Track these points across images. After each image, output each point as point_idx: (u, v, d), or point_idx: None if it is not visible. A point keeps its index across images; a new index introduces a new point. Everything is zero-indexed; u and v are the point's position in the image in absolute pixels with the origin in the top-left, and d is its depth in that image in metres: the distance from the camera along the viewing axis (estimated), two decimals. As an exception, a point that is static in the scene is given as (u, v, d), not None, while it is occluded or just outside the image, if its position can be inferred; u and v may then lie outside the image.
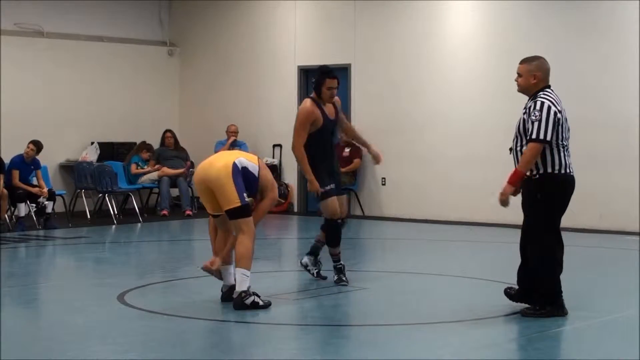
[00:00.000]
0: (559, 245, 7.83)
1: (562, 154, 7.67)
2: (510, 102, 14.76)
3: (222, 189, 8.04)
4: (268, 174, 8.33)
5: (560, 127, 7.64)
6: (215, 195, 8.12)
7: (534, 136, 7.54)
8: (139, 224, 15.28)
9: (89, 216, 15.87)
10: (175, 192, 16.96)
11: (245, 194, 8.07)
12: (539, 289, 7.79)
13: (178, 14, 18.60)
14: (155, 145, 17.05)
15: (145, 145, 16.82)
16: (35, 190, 14.36)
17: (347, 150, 16.11)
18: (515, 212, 14.78)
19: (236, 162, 8.10)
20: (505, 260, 11.71)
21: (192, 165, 16.91)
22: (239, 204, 8.03)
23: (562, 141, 7.68)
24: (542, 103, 7.62)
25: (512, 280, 9.57)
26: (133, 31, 18.07)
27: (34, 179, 14.67)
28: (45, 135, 15.99)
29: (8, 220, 14.28)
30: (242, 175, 8.09)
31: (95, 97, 17.39)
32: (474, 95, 15.06)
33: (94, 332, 7.36)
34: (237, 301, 8.05)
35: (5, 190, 14.01)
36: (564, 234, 13.61)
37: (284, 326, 7.80)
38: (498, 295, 8.91)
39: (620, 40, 13.81)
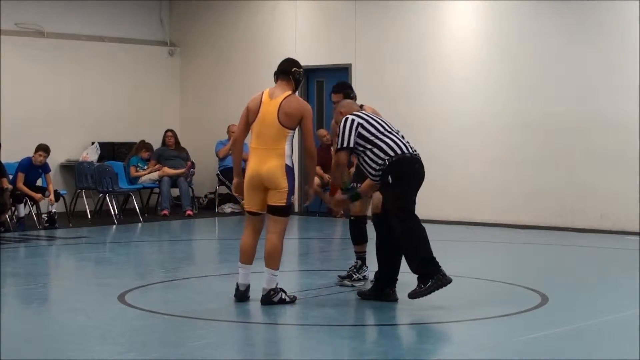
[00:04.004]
0: (416, 220, 8.22)
1: (395, 139, 8.28)
2: (511, 103, 14.81)
3: (276, 185, 8.18)
4: None
5: (369, 124, 8.28)
6: (268, 190, 8.24)
7: (339, 147, 8.32)
8: (140, 224, 15.28)
9: (89, 216, 15.87)
10: (175, 192, 16.97)
11: (292, 197, 8.31)
12: (417, 263, 8.18)
13: (178, 14, 18.61)
14: (156, 145, 17.05)
15: (144, 145, 16.81)
16: (37, 196, 14.33)
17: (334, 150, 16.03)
18: (514, 212, 14.84)
19: (287, 163, 8.22)
20: (505, 260, 11.72)
21: (193, 165, 16.91)
22: (284, 204, 8.19)
23: (385, 131, 8.29)
24: (343, 120, 8.37)
25: (512, 280, 9.58)
26: (133, 31, 18.07)
27: (37, 180, 14.67)
28: (46, 135, 15.99)
29: (8, 220, 14.28)
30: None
31: (96, 97, 17.39)
32: (474, 95, 15.06)
33: (94, 332, 7.36)
34: (265, 298, 8.23)
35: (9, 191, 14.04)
36: (564, 234, 13.70)
37: (284, 326, 7.81)
38: (498, 295, 8.92)
39: (620, 40, 13.80)
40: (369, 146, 8.26)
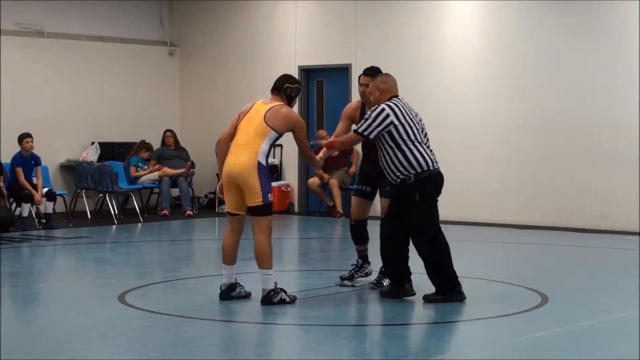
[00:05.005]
0: (442, 234, 8.40)
1: (422, 151, 8.41)
2: (511, 102, 14.81)
3: (248, 185, 8.16)
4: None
5: (403, 128, 8.34)
6: (243, 191, 8.22)
7: (358, 130, 8.37)
8: (140, 224, 15.28)
9: (89, 216, 15.86)
10: (175, 192, 16.97)
11: (270, 195, 8.22)
12: (439, 278, 8.35)
13: (178, 14, 18.61)
14: (156, 145, 17.05)
15: (144, 145, 16.81)
16: (37, 197, 14.24)
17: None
18: (514, 212, 14.84)
19: (260, 160, 8.17)
20: (505, 260, 11.72)
21: (193, 165, 16.91)
22: (262, 203, 8.15)
23: (416, 140, 8.40)
24: (378, 107, 8.43)
25: (512, 280, 9.58)
26: (133, 31, 18.07)
27: (34, 177, 14.62)
28: (46, 135, 16.01)
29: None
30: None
31: (96, 97, 17.39)
32: (474, 95, 15.05)
33: (94, 332, 7.36)
34: (265, 299, 8.24)
35: (4, 190, 14.01)
36: (564, 234, 13.71)
37: (284, 326, 7.81)
38: (498, 295, 8.92)
39: (620, 40, 13.81)
40: (396, 149, 8.31)
